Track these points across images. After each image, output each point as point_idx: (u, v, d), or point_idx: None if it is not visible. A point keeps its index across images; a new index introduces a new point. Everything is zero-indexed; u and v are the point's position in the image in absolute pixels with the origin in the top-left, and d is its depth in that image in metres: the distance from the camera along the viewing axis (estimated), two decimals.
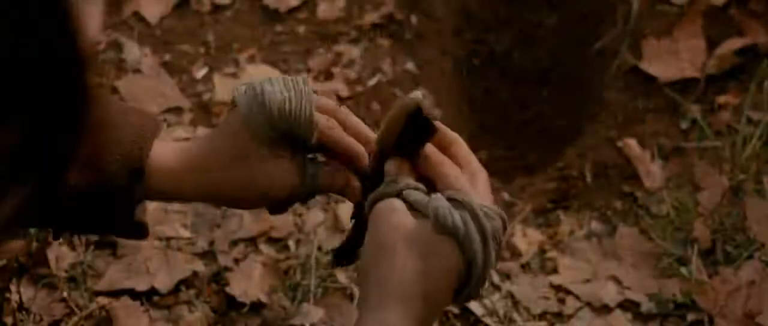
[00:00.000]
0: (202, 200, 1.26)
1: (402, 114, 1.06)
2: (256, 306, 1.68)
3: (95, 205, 1.12)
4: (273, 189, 1.14)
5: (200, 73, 2.05)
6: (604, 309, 1.71)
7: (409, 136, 1.07)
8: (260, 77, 1.16)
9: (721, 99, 1.94)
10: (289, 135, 1.12)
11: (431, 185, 1.07)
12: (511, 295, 1.73)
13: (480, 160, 1.11)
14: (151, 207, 1.79)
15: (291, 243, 1.77)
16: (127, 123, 1.13)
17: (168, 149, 1.15)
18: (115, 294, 1.68)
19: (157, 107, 1.95)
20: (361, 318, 1.02)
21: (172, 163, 1.14)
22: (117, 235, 1.23)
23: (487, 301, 1.71)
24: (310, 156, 1.15)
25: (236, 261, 1.73)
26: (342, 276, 1.72)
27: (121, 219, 1.15)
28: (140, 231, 1.18)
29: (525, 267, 1.77)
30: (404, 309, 1.00)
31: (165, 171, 1.14)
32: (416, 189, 1.05)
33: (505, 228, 1.06)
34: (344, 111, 1.15)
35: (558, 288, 1.74)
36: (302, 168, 1.14)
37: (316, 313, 1.66)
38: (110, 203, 1.12)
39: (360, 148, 1.12)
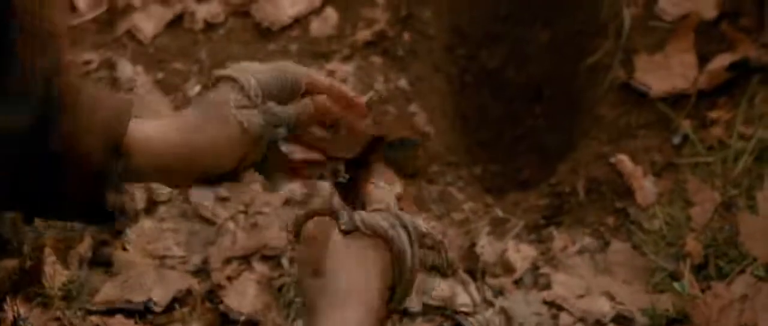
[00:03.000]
0: (178, 180, 1.25)
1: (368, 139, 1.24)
2: (250, 324, 1.69)
3: (73, 189, 1.11)
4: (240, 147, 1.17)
5: (193, 90, 2.06)
6: (597, 325, 1.72)
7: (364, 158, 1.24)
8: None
9: (713, 114, 1.95)
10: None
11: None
12: (504, 311, 1.73)
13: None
14: (146, 225, 1.80)
15: (284, 260, 1.77)
16: (101, 105, 1.12)
17: (143, 127, 1.15)
18: (110, 312, 1.68)
19: None
20: (313, 323, 1.10)
21: (147, 141, 1.15)
22: (90, 221, 1.22)
23: (480, 317, 1.71)
24: None
25: (230, 278, 1.74)
26: None
27: (97, 202, 1.13)
28: (112, 217, 1.16)
29: (518, 282, 1.78)
30: (346, 314, 1.09)
31: (142, 150, 1.14)
32: (342, 209, 1.17)
33: (423, 233, 1.17)
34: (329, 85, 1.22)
35: (551, 304, 1.74)
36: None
37: None
38: (88, 186, 1.12)
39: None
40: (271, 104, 1.17)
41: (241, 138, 1.15)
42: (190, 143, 1.15)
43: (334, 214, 1.16)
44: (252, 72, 1.17)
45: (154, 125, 1.16)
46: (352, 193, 1.24)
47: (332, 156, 1.23)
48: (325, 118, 1.20)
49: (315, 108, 1.19)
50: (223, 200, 1.85)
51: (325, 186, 1.27)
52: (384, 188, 1.25)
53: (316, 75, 1.23)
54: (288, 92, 1.19)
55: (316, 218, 1.16)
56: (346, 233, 1.15)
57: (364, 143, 1.24)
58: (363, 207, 1.21)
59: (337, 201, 1.20)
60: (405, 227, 1.15)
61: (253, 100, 1.16)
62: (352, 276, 1.12)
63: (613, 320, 1.71)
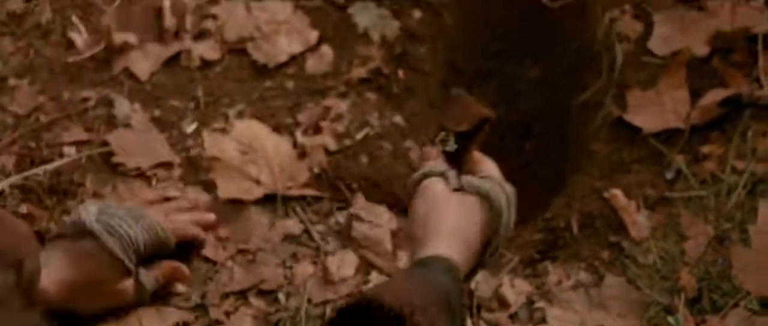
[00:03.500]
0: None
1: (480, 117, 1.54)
2: None
3: None
4: (119, 301, 1.67)
5: (190, 128, 2.07)
6: None
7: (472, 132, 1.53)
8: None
9: (706, 149, 1.95)
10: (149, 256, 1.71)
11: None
12: None
13: None
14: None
15: (281, 295, 1.77)
16: (4, 229, 1.43)
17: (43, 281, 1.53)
18: None
19: (147, 162, 1.97)
20: (417, 253, 1.36)
21: (45, 294, 1.55)
22: None
23: None
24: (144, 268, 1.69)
25: (227, 314, 1.74)
26: None
27: None
28: None
29: (513, 317, 1.78)
30: (450, 244, 1.35)
31: (43, 300, 1.54)
32: (450, 171, 1.47)
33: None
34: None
35: None
36: (140, 283, 1.67)
37: None
38: None
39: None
40: (142, 272, 1.67)
41: (120, 300, 1.67)
42: (81, 301, 1.63)
43: (444, 175, 1.46)
44: (127, 235, 1.64)
45: (51, 281, 1.57)
46: (458, 161, 1.51)
47: (445, 127, 1.55)
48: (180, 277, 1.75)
49: (170, 272, 1.73)
50: (222, 240, 1.85)
51: (434, 151, 1.54)
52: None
53: (184, 228, 1.78)
54: (159, 247, 1.71)
55: (429, 178, 1.45)
56: (454, 191, 1.44)
57: (475, 121, 1.53)
58: (465, 173, 1.48)
59: (445, 164, 1.49)
60: (504, 192, 1.44)
61: (130, 269, 1.65)
62: (457, 221, 1.39)
63: None
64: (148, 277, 1.69)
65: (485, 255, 1.42)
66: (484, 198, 1.41)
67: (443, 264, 1.32)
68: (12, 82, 2.11)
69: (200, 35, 2.22)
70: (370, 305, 1.19)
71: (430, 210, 1.41)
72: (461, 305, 1.30)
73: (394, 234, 1.87)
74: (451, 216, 1.39)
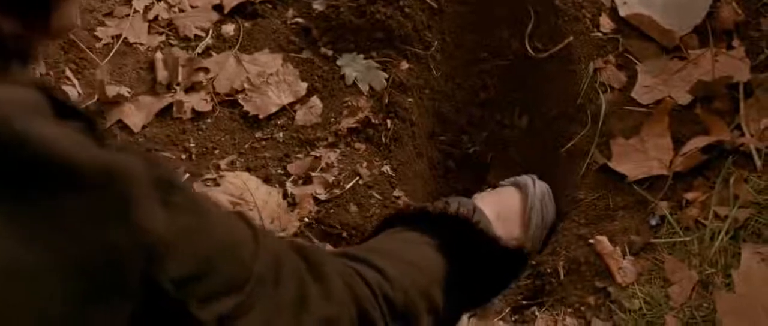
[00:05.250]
0: None
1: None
2: None
3: None
4: None
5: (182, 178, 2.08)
6: None
7: None
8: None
9: (689, 195, 1.97)
10: None
11: None
12: None
13: None
14: None
15: None
16: None
17: None
18: None
19: None
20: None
21: None
22: None
23: None
24: None
25: None
26: None
27: None
28: None
29: None
30: (487, 206, 1.69)
31: None
32: None
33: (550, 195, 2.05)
34: None
35: None
36: None
37: None
38: None
39: None
40: None
41: None
42: None
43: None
44: None
45: None
46: None
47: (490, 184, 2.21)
48: None
49: None
50: None
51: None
52: None
53: None
54: None
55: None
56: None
57: None
58: None
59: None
60: (532, 179, 2.01)
61: None
62: (493, 196, 1.95)
63: None
64: None
65: (529, 231, 1.92)
66: (513, 184, 1.96)
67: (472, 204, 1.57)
68: None
69: (192, 88, 2.24)
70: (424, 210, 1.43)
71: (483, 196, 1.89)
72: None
73: None
74: (487, 195, 1.91)
